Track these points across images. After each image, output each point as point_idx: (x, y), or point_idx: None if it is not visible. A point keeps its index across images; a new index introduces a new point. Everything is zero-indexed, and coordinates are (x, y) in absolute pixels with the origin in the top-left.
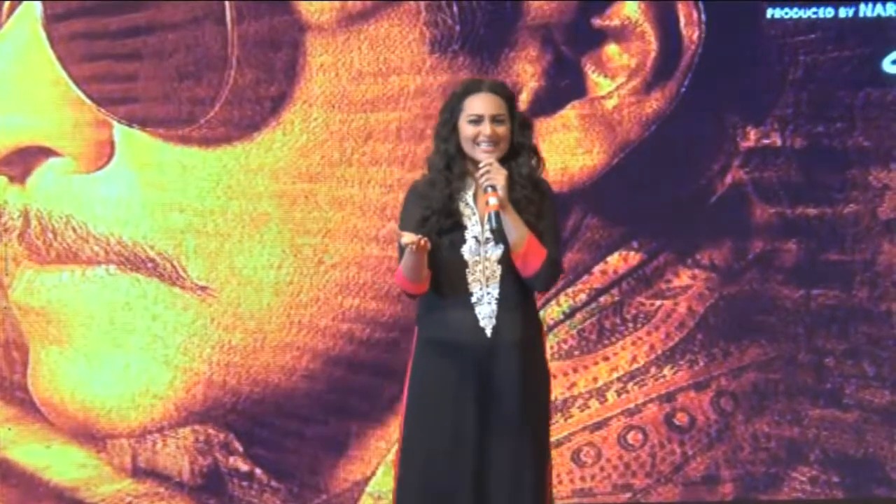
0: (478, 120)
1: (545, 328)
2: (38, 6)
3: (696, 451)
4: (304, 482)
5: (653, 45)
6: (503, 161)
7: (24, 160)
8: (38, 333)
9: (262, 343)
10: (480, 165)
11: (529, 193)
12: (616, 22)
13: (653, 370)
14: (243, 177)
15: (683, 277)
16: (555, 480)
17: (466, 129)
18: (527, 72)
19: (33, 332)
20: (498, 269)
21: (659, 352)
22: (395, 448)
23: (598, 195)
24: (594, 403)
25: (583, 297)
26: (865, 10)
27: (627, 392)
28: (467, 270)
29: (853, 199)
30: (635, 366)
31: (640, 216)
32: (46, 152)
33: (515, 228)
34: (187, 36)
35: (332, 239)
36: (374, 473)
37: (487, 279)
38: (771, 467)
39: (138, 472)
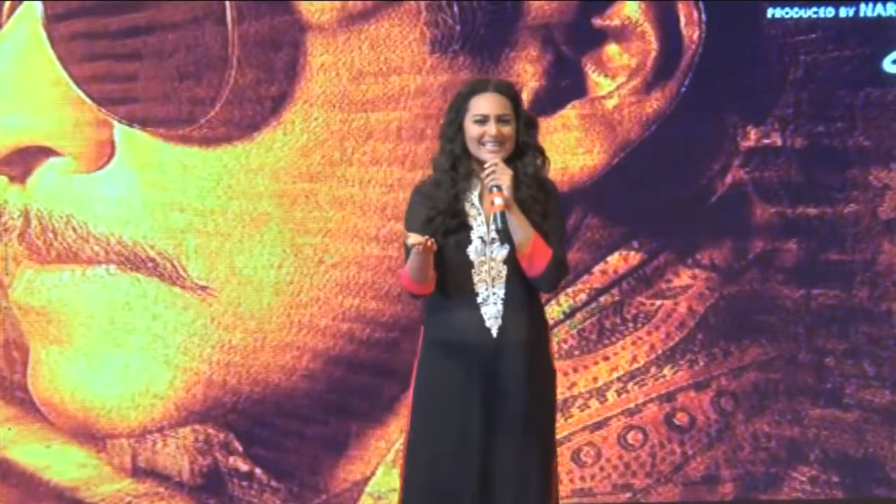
0: (483, 120)
1: None
2: (39, 6)
3: (697, 450)
4: (304, 482)
5: (653, 45)
6: (509, 161)
7: (25, 160)
8: (38, 333)
9: (263, 343)
10: (486, 165)
11: (535, 193)
12: (616, 22)
13: (653, 370)
14: (244, 176)
15: (684, 277)
16: None
17: (472, 129)
18: (527, 72)
19: (33, 331)
20: (504, 270)
21: (659, 352)
22: (396, 448)
23: (599, 195)
24: (594, 403)
25: (583, 296)
26: (866, 10)
27: (627, 392)
28: (473, 271)
29: (853, 199)
30: (635, 366)
31: (641, 216)
32: (47, 152)
33: (521, 228)
34: (187, 36)
35: (333, 238)
36: (373, 473)
37: (493, 279)
38: (771, 467)
39: (138, 472)
